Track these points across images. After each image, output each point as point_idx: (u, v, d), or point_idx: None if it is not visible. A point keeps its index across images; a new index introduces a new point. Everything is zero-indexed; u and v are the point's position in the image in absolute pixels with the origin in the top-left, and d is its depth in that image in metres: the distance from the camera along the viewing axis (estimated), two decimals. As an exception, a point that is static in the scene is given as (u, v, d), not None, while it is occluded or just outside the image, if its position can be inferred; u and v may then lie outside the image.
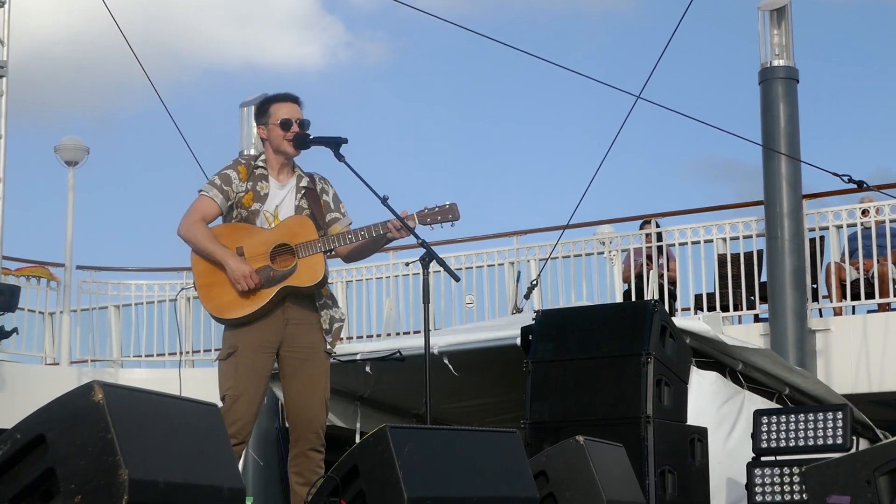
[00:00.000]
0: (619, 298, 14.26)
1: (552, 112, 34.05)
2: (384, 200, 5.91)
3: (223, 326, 6.07)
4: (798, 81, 13.26)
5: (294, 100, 6.19)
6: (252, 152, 15.07)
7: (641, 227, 14.54)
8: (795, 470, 8.28)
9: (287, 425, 6.26)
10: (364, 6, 35.14)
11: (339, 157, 5.99)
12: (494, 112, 35.01)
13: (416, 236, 6.00)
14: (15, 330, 11.72)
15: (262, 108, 6.21)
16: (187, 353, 16.20)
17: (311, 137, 6.08)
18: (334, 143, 6.03)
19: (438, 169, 33.57)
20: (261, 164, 6.16)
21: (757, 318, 13.76)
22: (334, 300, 6.23)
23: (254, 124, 15.53)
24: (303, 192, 6.15)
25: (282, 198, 6.12)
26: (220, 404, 5.79)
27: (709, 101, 31.55)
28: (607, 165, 11.68)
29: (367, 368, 11.13)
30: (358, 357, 11.16)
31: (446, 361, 10.66)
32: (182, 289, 15.36)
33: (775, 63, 13.19)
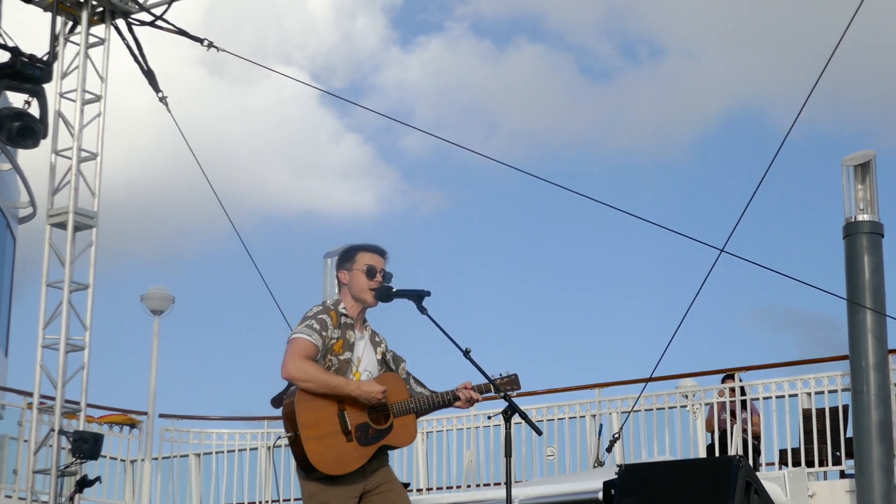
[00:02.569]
0: (702, 452, 14.09)
1: (619, 259, 33.98)
2: (466, 353, 5.93)
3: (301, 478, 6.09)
4: (883, 236, 13.18)
5: (382, 252, 6.26)
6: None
7: (723, 381, 14.41)
8: None
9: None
10: (420, 154, 35.51)
11: (422, 310, 6.02)
12: (562, 262, 34.93)
13: (496, 388, 5.99)
14: (98, 479, 11.75)
15: (349, 254, 6.26)
16: (268, 502, 16.16)
17: (394, 290, 6.14)
18: (417, 297, 6.07)
19: (508, 322, 33.38)
20: (343, 311, 6.20)
21: (843, 474, 13.52)
22: None
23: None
24: (375, 345, 6.23)
25: (362, 348, 6.18)
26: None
27: (775, 250, 31.32)
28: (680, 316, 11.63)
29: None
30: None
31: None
32: (278, 439, 15.31)
33: (860, 217, 13.13)
